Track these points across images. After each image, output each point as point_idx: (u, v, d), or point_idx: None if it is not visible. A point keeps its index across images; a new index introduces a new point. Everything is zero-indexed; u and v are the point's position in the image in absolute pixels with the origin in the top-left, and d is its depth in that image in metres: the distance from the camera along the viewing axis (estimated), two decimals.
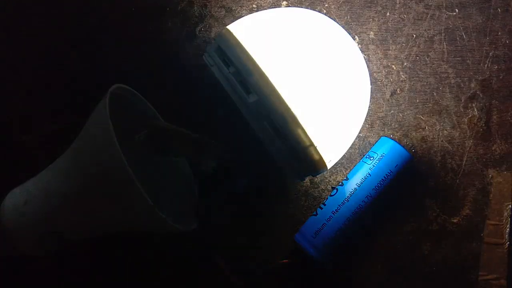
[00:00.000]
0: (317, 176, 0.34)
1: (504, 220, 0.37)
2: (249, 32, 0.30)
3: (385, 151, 0.37)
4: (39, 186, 0.32)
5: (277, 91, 0.27)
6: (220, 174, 0.31)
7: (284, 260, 0.38)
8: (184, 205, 0.36)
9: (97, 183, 0.29)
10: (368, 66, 0.39)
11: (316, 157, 0.28)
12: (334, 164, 0.38)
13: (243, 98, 0.27)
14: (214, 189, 0.37)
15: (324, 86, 0.29)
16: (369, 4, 0.41)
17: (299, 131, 0.27)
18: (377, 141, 0.39)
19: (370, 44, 0.41)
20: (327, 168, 0.30)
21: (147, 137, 0.31)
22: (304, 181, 0.39)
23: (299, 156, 0.28)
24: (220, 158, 0.30)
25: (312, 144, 0.28)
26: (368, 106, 0.34)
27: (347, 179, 0.37)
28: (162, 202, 0.37)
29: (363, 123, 0.36)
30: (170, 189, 0.37)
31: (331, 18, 0.33)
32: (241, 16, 0.38)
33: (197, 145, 0.29)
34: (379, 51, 0.41)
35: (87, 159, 0.30)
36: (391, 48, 0.40)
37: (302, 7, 0.41)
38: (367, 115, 0.36)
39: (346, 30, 0.33)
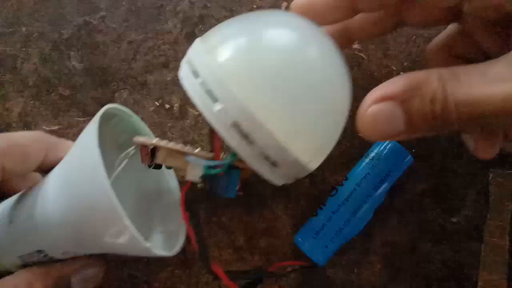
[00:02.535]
0: (302, 177, 0.30)
1: (504, 220, 0.37)
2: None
3: (385, 151, 0.37)
4: (23, 206, 0.32)
5: (241, 95, 0.25)
6: (210, 185, 0.30)
7: (284, 261, 0.38)
8: (172, 224, 0.36)
9: (83, 211, 0.29)
10: (368, 66, 0.39)
11: (291, 158, 0.26)
12: (334, 164, 0.38)
13: (210, 107, 0.26)
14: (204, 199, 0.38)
15: (293, 87, 0.26)
16: None
17: (268, 134, 0.25)
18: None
19: (370, 44, 0.41)
20: (308, 169, 0.28)
21: (136, 152, 0.31)
22: (304, 181, 0.39)
23: (272, 159, 0.26)
24: (209, 170, 0.29)
25: (284, 146, 0.25)
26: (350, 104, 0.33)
27: (347, 179, 0.37)
28: (152, 222, 0.37)
29: None
30: (160, 206, 0.37)
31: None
32: None
33: (186, 158, 0.29)
34: (379, 51, 0.40)
35: (74, 185, 0.29)
36: (391, 48, 0.40)
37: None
38: None
39: None
